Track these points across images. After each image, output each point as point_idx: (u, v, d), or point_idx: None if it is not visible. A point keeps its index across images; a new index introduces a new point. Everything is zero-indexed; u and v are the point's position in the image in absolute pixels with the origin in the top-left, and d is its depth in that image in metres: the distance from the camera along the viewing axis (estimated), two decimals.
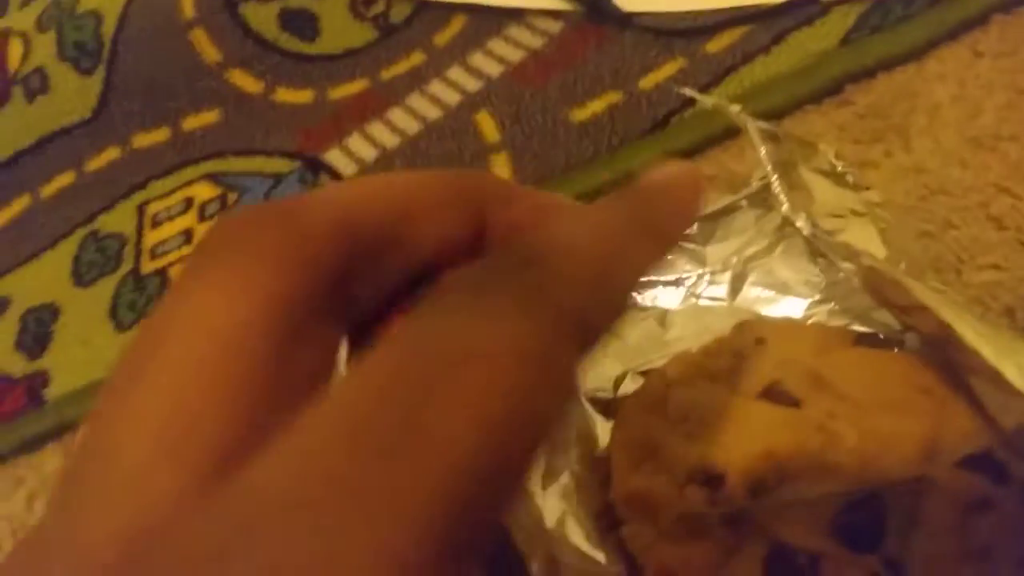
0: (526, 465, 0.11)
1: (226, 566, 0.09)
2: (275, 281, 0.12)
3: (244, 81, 0.55)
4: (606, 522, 0.27)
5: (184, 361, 0.11)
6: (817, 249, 0.32)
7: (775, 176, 0.26)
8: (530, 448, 0.11)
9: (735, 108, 0.29)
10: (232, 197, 0.49)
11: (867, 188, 0.32)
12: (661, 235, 0.14)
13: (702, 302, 0.32)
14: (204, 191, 0.50)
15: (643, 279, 0.34)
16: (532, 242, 0.12)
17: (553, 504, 0.27)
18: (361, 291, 0.13)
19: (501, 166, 0.42)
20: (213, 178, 0.51)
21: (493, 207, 0.14)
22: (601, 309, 0.13)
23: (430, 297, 0.11)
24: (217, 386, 0.11)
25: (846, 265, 0.25)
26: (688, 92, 0.32)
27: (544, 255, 0.12)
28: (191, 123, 0.55)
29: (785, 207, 0.25)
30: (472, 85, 0.47)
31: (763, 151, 0.27)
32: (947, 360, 0.24)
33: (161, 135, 0.55)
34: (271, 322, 0.11)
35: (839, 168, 0.31)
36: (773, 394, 0.26)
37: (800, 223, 0.25)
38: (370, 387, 0.10)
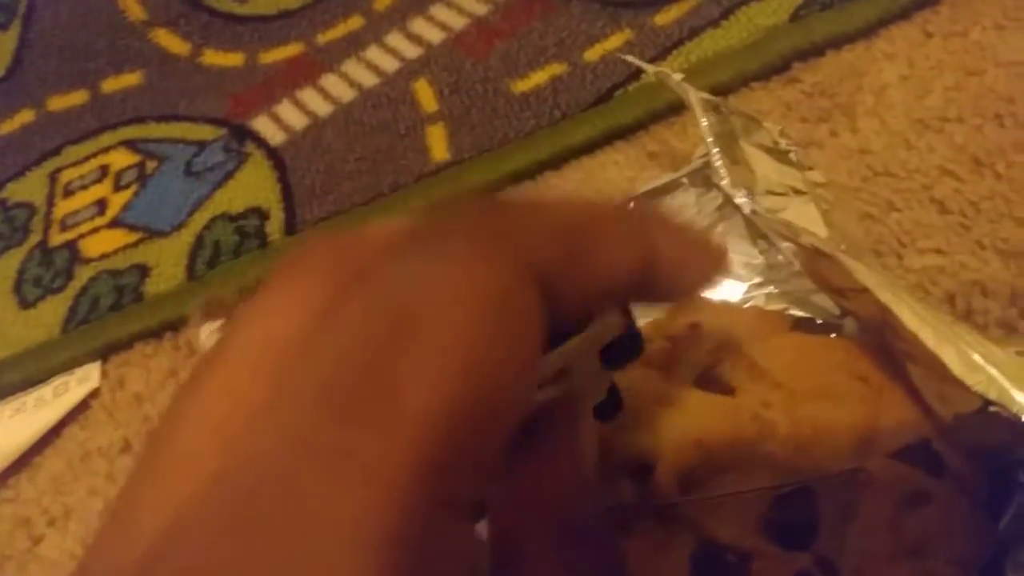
0: (502, 412, 0.11)
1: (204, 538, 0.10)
2: (324, 297, 0.12)
3: (170, 41, 0.51)
4: None
5: (235, 371, 0.12)
6: (758, 231, 0.30)
7: (716, 149, 0.24)
8: (501, 395, 0.11)
9: (677, 76, 0.28)
10: (151, 165, 0.46)
11: (810, 168, 0.30)
12: (644, 241, 0.14)
13: None
14: (121, 158, 0.47)
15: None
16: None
17: None
18: None
19: (437, 137, 0.40)
20: (131, 145, 0.48)
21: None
22: (567, 265, 0.13)
23: (387, 245, 0.12)
24: (270, 387, 0.12)
25: (785, 245, 0.23)
26: (631, 60, 0.31)
27: (507, 205, 0.13)
28: (111, 85, 0.51)
29: (725, 182, 0.24)
30: (411, 52, 0.44)
31: (704, 122, 0.25)
32: (885, 346, 0.23)
33: (78, 97, 0.51)
34: (317, 332, 0.12)
35: (782, 145, 0.30)
36: (707, 381, 0.25)
37: (739, 199, 0.23)
38: (331, 347, 0.11)
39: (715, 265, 0.16)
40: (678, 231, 0.15)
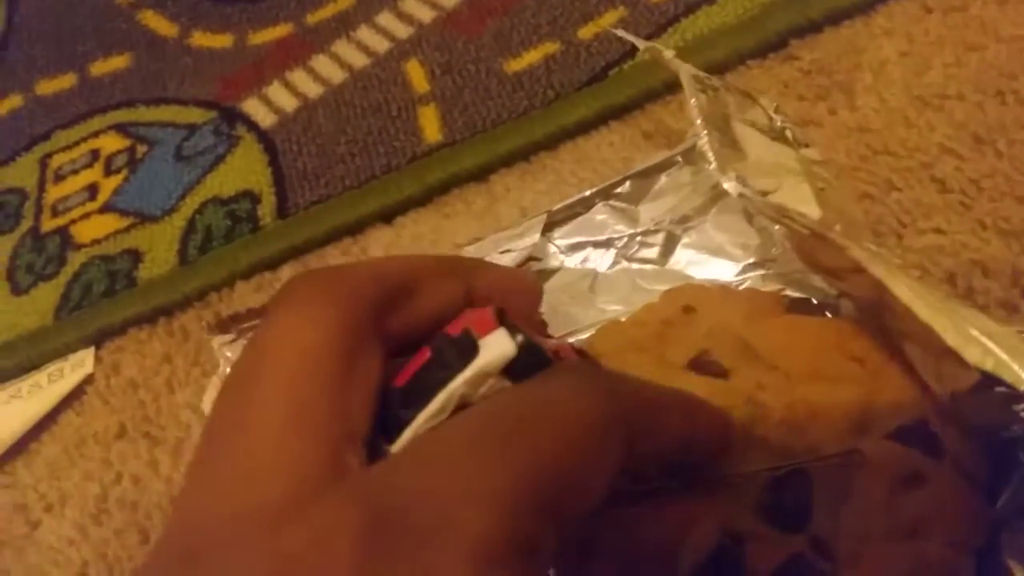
0: (589, 490, 0.15)
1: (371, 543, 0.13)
2: (337, 314, 0.16)
3: (158, 23, 0.51)
4: None
5: (288, 370, 0.15)
6: (756, 211, 0.30)
7: (704, 130, 0.24)
8: (590, 481, 0.15)
9: (669, 53, 0.27)
10: (141, 149, 0.45)
11: (806, 145, 0.30)
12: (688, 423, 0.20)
13: (633, 265, 0.31)
14: (111, 143, 0.47)
15: (575, 240, 0.32)
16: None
17: None
18: (392, 326, 0.18)
19: (429, 119, 0.40)
20: (122, 129, 0.47)
21: (475, 275, 0.20)
22: (642, 415, 0.17)
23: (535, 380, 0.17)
24: (317, 383, 0.15)
25: (777, 228, 0.23)
26: (623, 35, 0.30)
27: (610, 374, 0.20)
28: (99, 68, 0.50)
29: (713, 165, 0.23)
30: (402, 32, 0.44)
31: (694, 102, 0.25)
32: (882, 327, 0.23)
33: (67, 81, 0.51)
34: (340, 340, 0.16)
35: (778, 123, 0.29)
36: (701, 364, 0.24)
37: (728, 183, 0.23)
38: (477, 422, 0.15)
39: None
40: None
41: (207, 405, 0.28)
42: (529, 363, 0.17)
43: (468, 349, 0.16)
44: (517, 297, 0.20)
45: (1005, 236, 0.29)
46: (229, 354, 0.28)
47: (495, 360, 0.16)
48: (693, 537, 0.20)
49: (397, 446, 0.16)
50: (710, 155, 0.22)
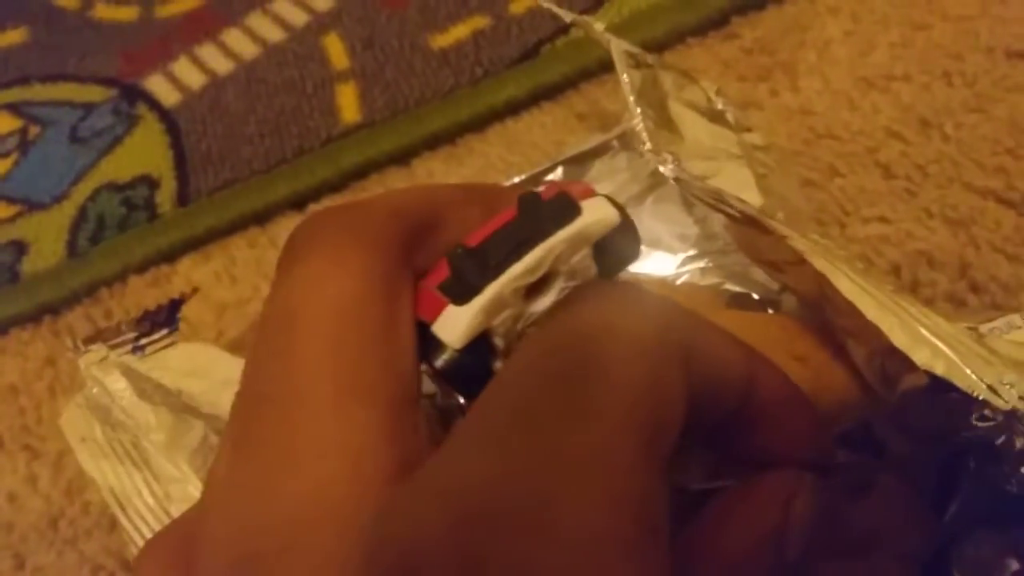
0: (674, 423, 0.13)
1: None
2: (370, 258, 0.14)
3: None
4: None
5: (328, 329, 0.14)
6: (694, 196, 0.28)
7: (638, 109, 0.21)
8: (670, 415, 0.13)
9: (600, 26, 0.25)
10: (34, 131, 0.41)
11: (748, 130, 0.28)
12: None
13: None
14: (2, 123, 0.42)
15: None
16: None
17: None
18: (418, 266, 0.16)
19: (348, 97, 0.36)
20: (14, 108, 0.43)
21: (501, 203, 0.17)
22: (698, 341, 0.14)
23: (560, 303, 0.15)
24: (363, 341, 0.14)
25: (716, 216, 0.21)
26: (550, 7, 0.28)
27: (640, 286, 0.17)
28: None
29: (647, 146, 0.21)
30: (322, 3, 0.40)
31: (626, 78, 0.22)
32: (825, 324, 0.21)
33: None
34: (378, 288, 0.14)
35: (719, 105, 0.27)
36: None
37: (663, 167, 0.21)
38: (530, 371, 0.12)
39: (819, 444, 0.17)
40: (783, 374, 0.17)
41: (67, 427, 0.24)
42: (621, 243, 0.15)
43: (566, 209, 0.14)
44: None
45: (952, 225, 0.27)
46: (98, 374, 0.24)
47: (599, 222, 0.15)
48: (796, 506, 0.16)
49: (473, 307, 0.14)
50: (644, 135, 0.20)
